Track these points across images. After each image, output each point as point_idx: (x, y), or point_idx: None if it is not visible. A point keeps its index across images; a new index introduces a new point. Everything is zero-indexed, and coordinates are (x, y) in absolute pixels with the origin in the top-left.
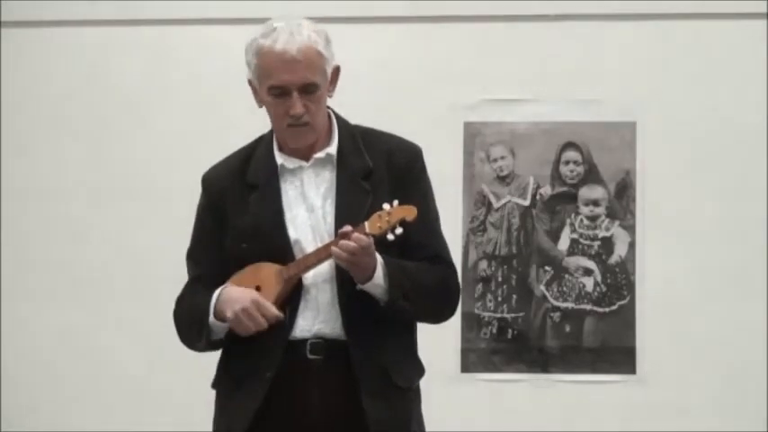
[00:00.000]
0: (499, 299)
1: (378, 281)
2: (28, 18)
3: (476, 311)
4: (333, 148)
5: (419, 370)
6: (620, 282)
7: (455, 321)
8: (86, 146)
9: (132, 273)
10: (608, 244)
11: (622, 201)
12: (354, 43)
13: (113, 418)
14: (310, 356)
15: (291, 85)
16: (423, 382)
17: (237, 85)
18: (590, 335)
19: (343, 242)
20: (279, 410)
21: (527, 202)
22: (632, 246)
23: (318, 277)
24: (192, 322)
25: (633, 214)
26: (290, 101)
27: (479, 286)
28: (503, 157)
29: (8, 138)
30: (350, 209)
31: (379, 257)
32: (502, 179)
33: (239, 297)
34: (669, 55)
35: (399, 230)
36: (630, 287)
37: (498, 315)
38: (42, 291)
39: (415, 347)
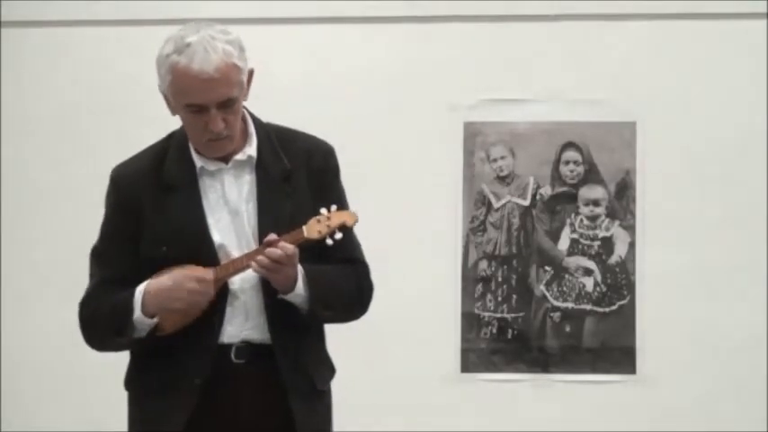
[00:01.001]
0: (499, 299)
1: (299, 291)
2: (28, 18)
3: (476, 311)
4: (253, 150)
5: (332, 371)
6: (620, 282)
7: (455, 321)
8: (86, 146)
9: None
10: (608, 244)
11: (622, 201)
12: (354, 43)
13: (113, 418)
14: (235, 360)
15: (209, 103)
16: (423, 383)
17: None
18: (590, 335)
19: (270, 250)
20: (206, 414)
21: (527, 202)
22: (632, 246)
23: (246, 283)
24: (110, 320)
25: (633, 214)
26: (207, 116)
27: (479, 286)
28: (503, 157)
29: (8, 138)
30: (272, 212)
31: (300, 268)
32: (502, 179)
33: (173, 283)
34: (669, 55)
35: (339, 235)
36: (630, 287)
37: (498, 315)
38: (42, 291)
39: (326, 348)
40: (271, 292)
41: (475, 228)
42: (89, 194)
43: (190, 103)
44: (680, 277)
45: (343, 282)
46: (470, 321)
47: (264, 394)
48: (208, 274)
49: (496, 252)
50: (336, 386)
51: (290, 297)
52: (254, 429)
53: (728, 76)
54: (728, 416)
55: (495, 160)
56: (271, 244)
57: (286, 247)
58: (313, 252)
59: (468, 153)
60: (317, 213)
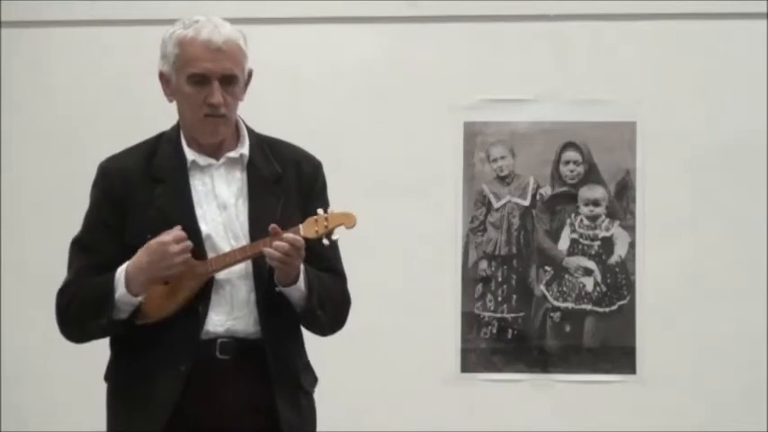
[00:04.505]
0: (499, 299)
1: (300, 285)
2: (28, 18)
3: (476, 311)
4: (245, 149)
5: (315, 377)
6: (620, 282)
7: (455, 321)
8: (86, 146)
9: None
10: (608, 244)
11: (622, 201)
12: (354, 43)
13: None
14: (220, 356)
15: (213, 74)
16: (423, 383)
17: None
18: (590, 335)
19: (278, 243)
20: (189, 408)
21: (527, 202)
22: (632, 246)
23: (234, 274)
24: (90, 302)
25: (633, 214)
26: (209, 89)
27: (479, 286)
28: (503, 157)
29: (8, 137)
30: (263, 210)
31: (301, 264)
32: (502, 179)
33: (153, 253)
34: (669, 55)
35: (336, 236)
36: (630, 287)
37: (498, 315)
38: (42, 291)
39: (307, 355)
40: (263, 285)
41: (475, 228)
42: (89, 194)
43: (194, 73)
44: (680, 277)
45: (334, 288)
46: (470, 321)
47: (249, 390)
48: (178, 232)
49: (496, 252)
50: (336, 386)
51: (289, 290)
52: (239, 425)
53: (728, 76)
54: (728, 416)
55: (495, 160)
56: (276, 234)
57: (296, 240)
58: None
59: (469, 153)
60: (304, 220)
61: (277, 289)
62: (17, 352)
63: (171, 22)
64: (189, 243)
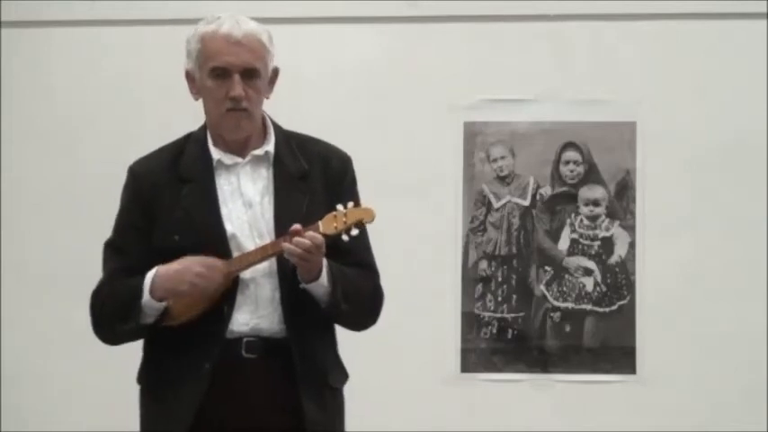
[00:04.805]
0: (499, 299)
1: (322, 281)
2: (28, 18)
3: (476, 311)
4: (271, 147)
5: (345, 373)
6: (620, 282)
7: (455, 321)
8: (86, 146)
9: None
10: (608, 244)
11: (622, 201)
12: (354, 43)
13: (114, 419)
14: (246, 355)
15: (233, 67)
16: (423, 383)
17: None
18: (590, 335)
19: (298, 239)
20: (215, 408)
21: (527, 202)
22: (632, 246)
23: (258, 272)
24: (119, 305)
25: (633, 214)
26: (230, 83)
27: (479, 286)
28: (503, 157)
29: (8, 137)
30: (288, 207)
31: (324, 259)
32: (502, 179)
33: (182, 267)
34: (669, 55)
35: (355, 232)
36: (630, 287)
37: (498, 315)
38: (42, 291)
39: (338, 352)
40: (287, 283)
41: (475, 228)
42: (89, 194)
43: (214, 66)
44: (680, 277)
45: (362, 282)
46: (470, 321)
47: (275, 389)
48: (217, 261)
49: (496, 252)
50: None
51: (312, 287)
52: (265, 425)
53: (728, 76)
54: (728, 416)
55: (495, 160)
56: (297, 233)
57: (315, 237)
58: (328, 254)
59: (469, 153)
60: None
61: (300, 286)
62: (17, 352)
63: (171, 22)
64: (216, 277)
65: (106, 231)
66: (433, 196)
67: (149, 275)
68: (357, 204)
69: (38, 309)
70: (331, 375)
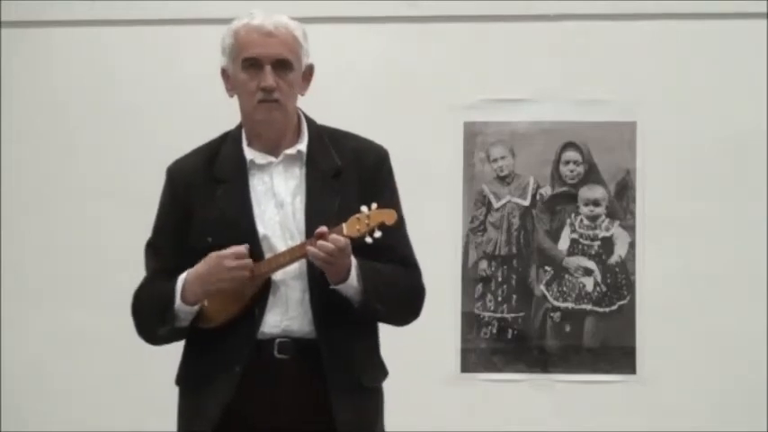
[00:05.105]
0: (499, 299)
1: (352, 282)
2: (28, 18)
3: (476, 311)
4: (303, 146)
5: (384, 371)
6: (620, 282)
7: (455, 321)
8: (86, 146)
9: (134, 273)
10: (608, 244)
11: (622, 201)
12: (354, 43)
13: (114, 419)
14: (278, 356)
15: (265, 58)
16: (423, 383)
17: None
18: (590, 335)
19: (321, 243)
20: (246, 408)
21: (527, 202)
22: (632, 246)
23: (288, 274)
24: (154, 309)
25: (633, 214)
26: (262, 74)
27: (479, 286)
28: (503, 157)
29: (8, 138)
30: (320, 207)
31: (353, 259)
32: (502, 179)
33: (210, 266)
34: (669, 55)
35: (378, 234)
36: (630, 287)
37: (498, 315)
38: (42, 291)
39: (379, 348)
40: (317, 284)
41: (475, 228)
42: (89, 194)
43: (246, 58)
44: (680, 277)
45: (397, 279)
46: (470, 321)
47: (307, 390)
48: (240, 248)
49: (496, 252)
50: None
51: (342, 288)
52: (296, 425)
53: (728, 76)
54: (728, 416)
55: (495, 160)
56: (322, 236)
57: (338, 240)
58: (363, 251)
59: (469, 153)
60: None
61: (330, 287)
62: (17, 352)
63: (171, 22)
64: (248, 261)
65: (106, 231)
66: (432, 196)
67: (180, 280)
68: (391, 202)
69: (38, 309)
70: (365, 375)
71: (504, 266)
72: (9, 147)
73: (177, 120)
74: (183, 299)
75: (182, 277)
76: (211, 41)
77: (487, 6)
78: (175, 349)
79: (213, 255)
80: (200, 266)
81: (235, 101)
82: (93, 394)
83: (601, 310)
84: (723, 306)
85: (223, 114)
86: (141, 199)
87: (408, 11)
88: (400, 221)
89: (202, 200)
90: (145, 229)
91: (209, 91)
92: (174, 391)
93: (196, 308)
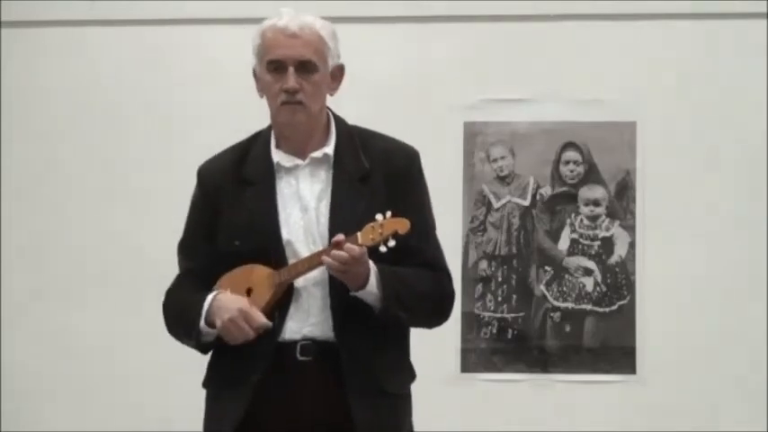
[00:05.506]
0: (499, 299)
1: (371, 288)
2: (28, 18)
3: (476, 311)
4: (330, 148)
5: (410, 375)
6: (620, 282)
7: (455, 321)
8: (86, 145)
9: (133, 273)
10: (608, 244)
11: (622, 201)
12: (354, 43)
13: (114, 419)
14: (300, 358)
15: (288, 60)
16: (423, 383)
17: (238, 84)
18: (590, 335)
19: (336, 252)
20: (268, 412)
21: (527, 202)
22: (632, 246)
23: (309, 281)
24: (182, 322)
25: (633, 214)
26: (285, 76)
27: (479, 286)
28: (503, 157)
29: (8, 137)
30: (344, 211)
31: (372, 265)
32: (502, 179)
33: (228, 306)
34: (669, 55)
35: (392, 243)
36: (630, 287)
37: (498, 315)
38: (42, 291)
39: (408, 353)
40: (338, 291)
41: (475, 228)
42: (89, 194)
43: (270, 60)
44: (680, 277)
45: (421, 284)
46: (470, 321)
47: (328, 394)
48: (264, 322)
49: (496, 252)
50: None
51: (362, 294)
52: (316, 428)
53: (729, 76)
54: (728, 416)
55: (495, 160)
56: (337, 245)
57: (352, 249)
58: (391, 254)
59: (469, 153)
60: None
61: (350, 293)
62: (17, 352)
63: (171, 22)
64: (256, 332)
65: (106, 231)
66: (432, 196)
67: (208, 301)
68: (419, 204)
69: (37, 308)
70: (387, 380)
71: (504, 266)
72: (9, 146)
73: (177, 120)
74: (207, 322)
75: (208, 299)
76: (211, 42)
77: (487, 6)
78: (173, 351)
79: (237, 306)
80: (225, 299)
81: (235, 101)
82: (92, 395)
83: (601, 310)
84: (723, 306)
85: (223, 114)
86: (142, 199)
87: (408, 11)
88: (428, 224)
89: (231, 201)
90: (145, 229)
91: (209, 91)
92: (173, 392)
93: (216, 330)
